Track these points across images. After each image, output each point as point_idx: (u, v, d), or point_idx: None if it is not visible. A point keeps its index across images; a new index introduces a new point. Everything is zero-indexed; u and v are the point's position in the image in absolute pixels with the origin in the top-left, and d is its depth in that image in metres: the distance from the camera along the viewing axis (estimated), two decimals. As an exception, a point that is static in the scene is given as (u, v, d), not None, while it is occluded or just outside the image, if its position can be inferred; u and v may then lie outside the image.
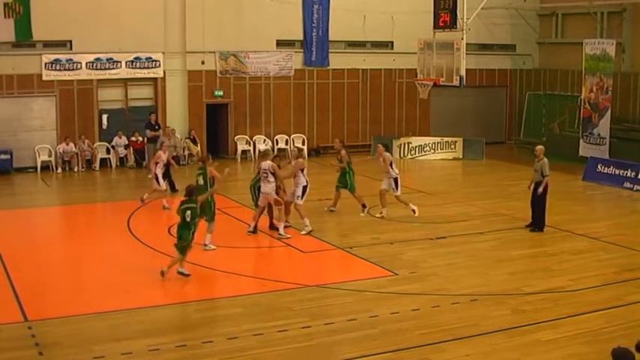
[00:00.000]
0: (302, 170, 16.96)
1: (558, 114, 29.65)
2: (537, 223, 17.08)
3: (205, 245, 15.17)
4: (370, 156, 19.53)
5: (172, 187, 20.96)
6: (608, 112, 25.71)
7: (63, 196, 22.65)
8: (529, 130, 31.15)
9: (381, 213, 18.35)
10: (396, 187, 18.25)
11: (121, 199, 20.87)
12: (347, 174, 18.55)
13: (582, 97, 26.76)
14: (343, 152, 18.73)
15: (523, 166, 26.56)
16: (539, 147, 17.30)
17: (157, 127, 24.92)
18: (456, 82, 22.52)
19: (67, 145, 25.10)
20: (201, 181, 15.36)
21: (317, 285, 13.16)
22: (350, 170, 18.60)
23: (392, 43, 29.98)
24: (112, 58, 25.86)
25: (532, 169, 17.34)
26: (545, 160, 16.91)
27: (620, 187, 22.68)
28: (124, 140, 25.98)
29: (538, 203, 17.05)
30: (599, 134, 25.82)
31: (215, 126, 28.09)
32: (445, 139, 29.04)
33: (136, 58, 26.24)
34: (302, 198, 16.79)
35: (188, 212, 13.49)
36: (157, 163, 19.39)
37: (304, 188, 16.83)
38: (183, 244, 13.51)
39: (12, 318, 11.51)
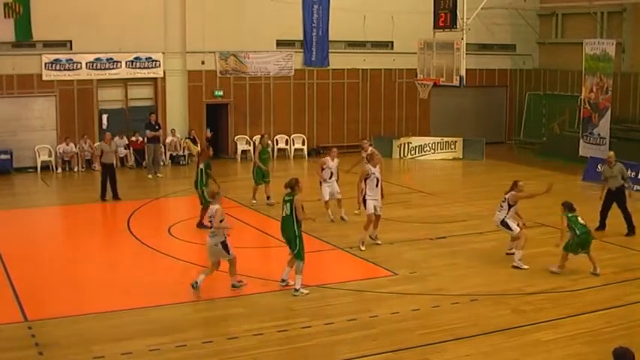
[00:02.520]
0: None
1: (558, 114, 29.66)
2: (630, 228, 17.00)
3: (295, 290, 12.79)
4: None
5: (115, 195, 20.52)
6: (608, 112, 25.70)
7: (63, 196, 22.65)
8: (529, 130, 31.17)
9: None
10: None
11: (120, 199, 20.83)
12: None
13: (582, 97, 26.75)
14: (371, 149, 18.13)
15: (523, 166, 26.60)
16: (611, 153, 17.52)
17: (157, 127, 24.90)
18: (456, 82, 22.51)
19: (67, 145, 25.09)
20: (287, 211, 12.77)
21: (317, 285, 13.15)
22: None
23: (392, 43, 29.98)
24: (112, 58, 25.86)
25: (604, 175, 17.48)
26: (620, 163, 17.20)
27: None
28: (124, 140, 25.96)
29: (624, 208, 17.09)
30: (599, 134, 25.81)
31: (215, 126, 28.08)
32: (445, 139, 29.04)
33: (136, 58, 26.24)
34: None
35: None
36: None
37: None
38: None
39: (12, 318, 11.51)
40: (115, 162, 21.28)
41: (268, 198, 19.63)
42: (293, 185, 12.76)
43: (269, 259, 15.85)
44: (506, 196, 14.61)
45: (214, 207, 12.76)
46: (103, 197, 20.50)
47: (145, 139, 25.01)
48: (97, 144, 23.19)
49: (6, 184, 23.11)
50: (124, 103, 26.63)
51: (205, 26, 26.81)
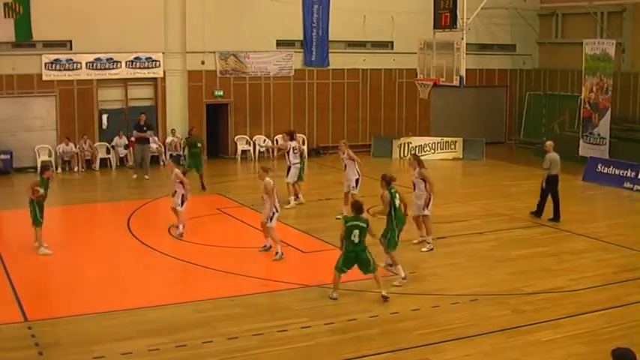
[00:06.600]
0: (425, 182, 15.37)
1: (558, 114, 29.66)
2: (538, 210, 17.97)
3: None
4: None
5: None
6: (608, 112, 25.71)
7: (63, 196, 22.59)
8: (529, 130, 31.18)
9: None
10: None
11: (121, 199, 20.85)
12: None
13: (582, 97, 26.76)
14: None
15: (523, 166, 26.59)
16: (549, 142, 18.06)
17: (144, 129, 24.39)
18: (456, 82, 22.54)
19: (67, 145, 25.08)
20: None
21: (317, 285, 13.15)
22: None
23: (392, 43, 29.98)
24: (112, 58, 25.85)
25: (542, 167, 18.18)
26: (549, 155, 17.76)
27: (620, 187, 22.67)
28: (124, 140, 25.96)
29: (542, 195, 17.92)
30: (599, 134, 25.82)
31: (215, 126, 28.09)
32: (445, 139, 29.04)
33: (136, 58, 26.23)
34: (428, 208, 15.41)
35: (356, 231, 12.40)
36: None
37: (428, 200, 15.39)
38: None
39: (12, 318, 11.51)
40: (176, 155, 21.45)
41: (296, 197, 19.72)
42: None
43: (268, 259, 15.83)
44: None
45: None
46: None
47: (133, 139, 24.83)
48: None
49: (6, 184, 23.10)
50: (123, 103, 26.61)
51: (205, 26, 26.81)
